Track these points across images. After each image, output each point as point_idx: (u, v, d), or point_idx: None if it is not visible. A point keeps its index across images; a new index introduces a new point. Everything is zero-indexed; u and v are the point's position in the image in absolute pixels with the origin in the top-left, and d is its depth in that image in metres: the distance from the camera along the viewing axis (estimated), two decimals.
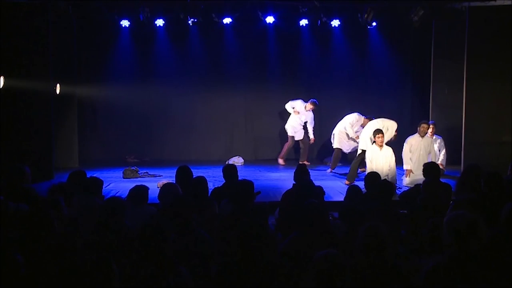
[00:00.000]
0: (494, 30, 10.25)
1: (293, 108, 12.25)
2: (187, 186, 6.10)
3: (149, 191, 5.94)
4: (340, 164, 11.49)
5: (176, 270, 3.64)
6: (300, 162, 12.24)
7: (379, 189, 5.83)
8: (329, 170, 11.33)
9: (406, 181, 9.53)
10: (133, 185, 5.90)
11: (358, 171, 10.47)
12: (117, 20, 12.16)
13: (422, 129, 9.59)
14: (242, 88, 13.38)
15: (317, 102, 12.29)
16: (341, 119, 11.53)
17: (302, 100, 12.36)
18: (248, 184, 5.65)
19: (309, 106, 12.26)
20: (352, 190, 6.10)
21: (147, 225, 3.86)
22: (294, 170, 6.88)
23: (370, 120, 10.49)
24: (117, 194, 8.19)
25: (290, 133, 12.44)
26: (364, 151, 9.78)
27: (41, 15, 9.94)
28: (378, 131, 9.42)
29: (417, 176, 9.08)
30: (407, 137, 9.92)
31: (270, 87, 13.43)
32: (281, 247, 4.41)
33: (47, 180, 9.56)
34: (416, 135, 9.67)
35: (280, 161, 12.58)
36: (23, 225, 4.14)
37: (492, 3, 10.27)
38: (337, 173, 11.17)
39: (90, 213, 5.35)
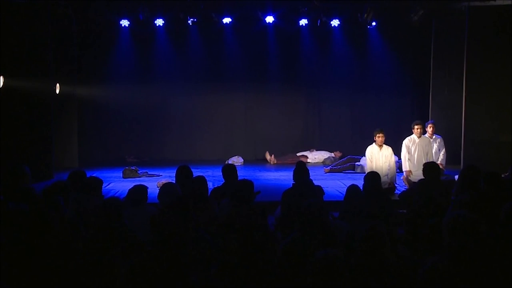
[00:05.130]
0: (494, 30, 10.24)
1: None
2: (187, 186, 6.10)
3: (148, 190, 5.93)
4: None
5: (184, 271, 3.64)
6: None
7: (379, 189, 5.83)
8: (327, 170, 11.34)
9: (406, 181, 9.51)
10: (133, 185, 5.90)
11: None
12: (117, 20, 12.17)
13: (415, 130, 9.49)
14: (242, 88, 13.38)
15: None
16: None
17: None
18: (248, 184, 5.65)
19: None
20: (352, 190, 6.09)
21: (164, 227, 3.83)
22: (294, 170, 6.87)
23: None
24: (117, 194, 8.20)
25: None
26: None
27: (41, 15, 9.93)
28: (379, 131, 9.39)
29: (417, 176, 9.05)
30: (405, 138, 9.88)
31: (270, 87, 13.43)
32: (281, 247, 4.40)
33: (47, 180, 9.54)
34: (413, 136, 9.59)
35: (270, 157, 12.75)
36: (23, 226, 4.13)
37: (492, 3, 10.27)
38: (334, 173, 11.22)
39: (90, 213, 5.35)
